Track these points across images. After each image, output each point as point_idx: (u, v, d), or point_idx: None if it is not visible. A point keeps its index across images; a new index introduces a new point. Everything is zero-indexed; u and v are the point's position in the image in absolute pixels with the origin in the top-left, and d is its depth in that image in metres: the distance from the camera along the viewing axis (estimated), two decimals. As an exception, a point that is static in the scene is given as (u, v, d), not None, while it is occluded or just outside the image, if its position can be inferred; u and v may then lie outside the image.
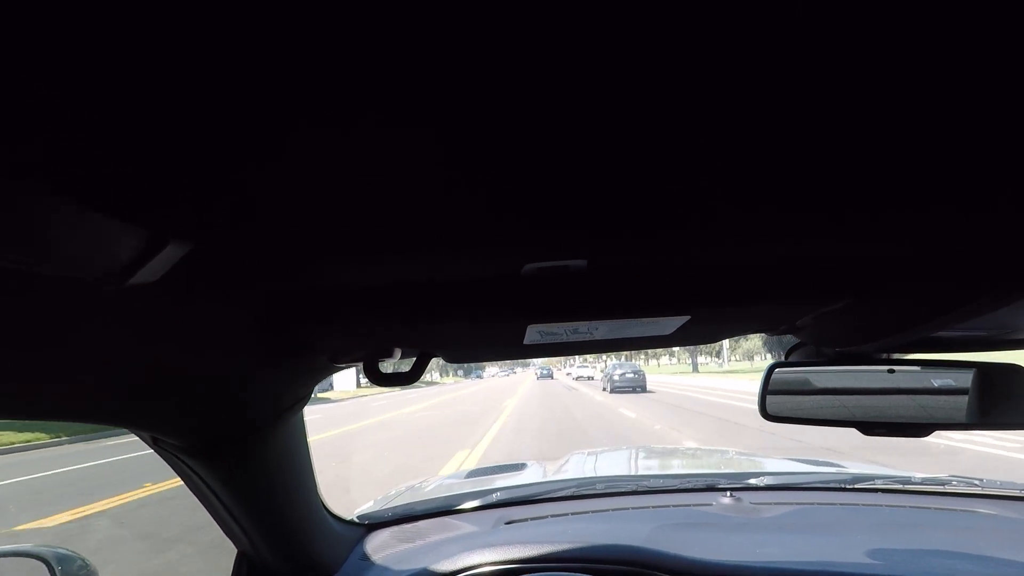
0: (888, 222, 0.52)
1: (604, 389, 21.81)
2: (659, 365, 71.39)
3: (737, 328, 0.89)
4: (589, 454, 2.55)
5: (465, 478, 2.32)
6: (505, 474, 2.24)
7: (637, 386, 20.42)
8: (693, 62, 0.27)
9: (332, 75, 0.27)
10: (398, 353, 0.83)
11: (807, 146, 0.37)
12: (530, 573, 1.05)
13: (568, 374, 46.93)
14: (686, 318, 0.70)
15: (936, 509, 1.40)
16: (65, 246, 0.35)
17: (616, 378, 20.75)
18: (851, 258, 0.61)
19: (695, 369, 46.20)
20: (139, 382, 0.60)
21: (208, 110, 0.29)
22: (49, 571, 0.90)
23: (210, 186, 0.37)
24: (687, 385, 24.67)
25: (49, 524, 4.93)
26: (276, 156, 0.34)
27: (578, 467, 2.22)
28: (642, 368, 22.78)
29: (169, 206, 0.38)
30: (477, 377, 67.16)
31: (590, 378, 37.38)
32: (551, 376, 45.10)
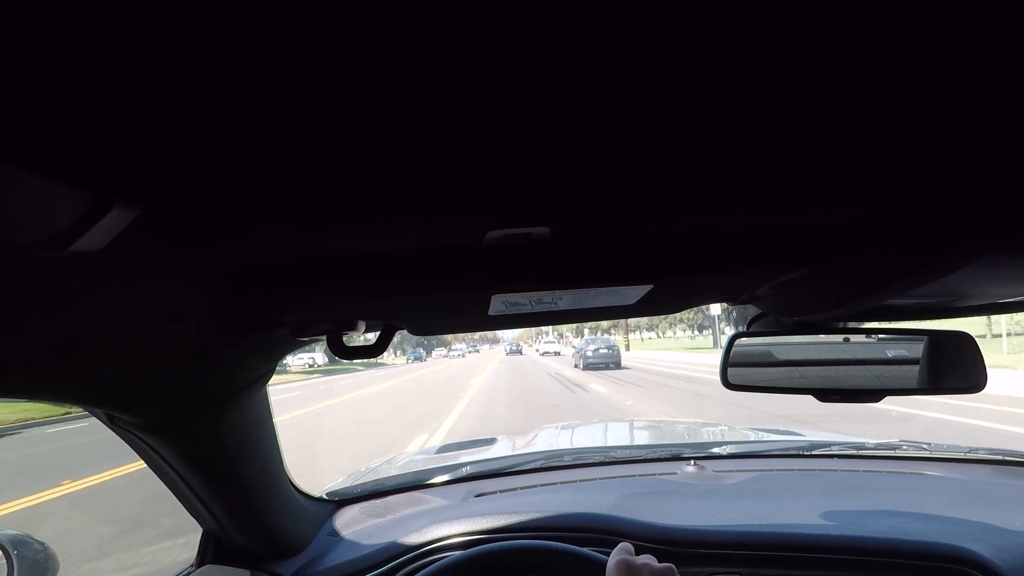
0: (842, 194, 0.53)
1: (576, 366, 20.45)
2: (642, 340, 64.98)
3: (699, 298, 0.90)
4: (558, 427, 2.59)
5: (435, 453, 2.33)
6: (475, 448, 2.26)
7: (610, 362, 19.26)
8: (654, 30, 0.27)
9: (284, 31, 0.25)
10: (363, 326, 0.81)
11: (765, 123, 0.37)
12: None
13: (537, 350, 46.83)
14: (648, 287, 0.71)
15: (887, 472, 1.47)
16: None
17: (589, 354, 19.44)
18: (808, 227, 0.62)
19: (717, 345, 32.44)
20: (89, 356, 0.57)
21: (151, 63, 0.27)
22: (5, 555, 0.88)
23: (158, 145, 0.34)
24: (673, 362, 21.82)
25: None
26: (226, 115, 0.32)
27: (547, 440, 2.25)
28: (617, 344, 21.28)
29: (113, 166, 0.35)
30: (416, 359, 46.95)
31: (557, 353, 37.16)
32: (520, 352, 44.58)
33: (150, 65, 0.27)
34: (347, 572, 1.09)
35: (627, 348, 35.35)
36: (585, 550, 0.85)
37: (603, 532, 1.10)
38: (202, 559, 1.04)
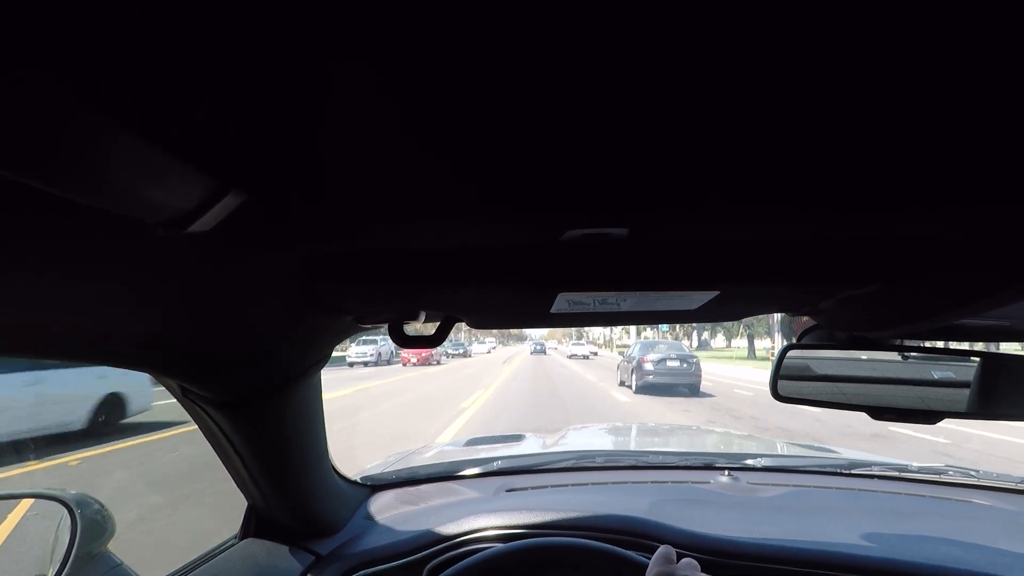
0: (924, 206, 0.51)
1: (623, 383, 13.39)
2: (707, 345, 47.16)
3: (761, 307, 0.89)
4: (588, 428, 2.59)
5: (464, 446, 2.36)
6: (503, 444, 2.28)
7: (685, 384, 12.08)
8: (732, 38, 0.27)
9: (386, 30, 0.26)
10: (423, 316, 0.83)
11: (848, 129, 0.36)
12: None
13: (563, 352, 45.06)
14: (714, 293, 0.70)
15: (932, 498, 1.42)
16: (139, 186, 0.35)
17: (649, 368, 11.97)
18: (884, 241, 0.61)
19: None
20: (176, 331, 0.61)
21: (268, 64, 0.28)
22: (70, 514, 0.93)
23: (276, 137, 0.36)
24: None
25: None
26: (331, 116, 0.34)
27: (576, 440, 2.26)
28: (696, 356, 13.01)
29: (238, 153, 0.38)
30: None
31: (585, 356, 32.25)
32: (544, 352, 42.73)
33: (282, 63, 0.28)
34: (383, 556, 1.11)
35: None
36: (627, 552, 0.84)
37: (640, 536, 1.09)
38: (245, 532, 1.07)
